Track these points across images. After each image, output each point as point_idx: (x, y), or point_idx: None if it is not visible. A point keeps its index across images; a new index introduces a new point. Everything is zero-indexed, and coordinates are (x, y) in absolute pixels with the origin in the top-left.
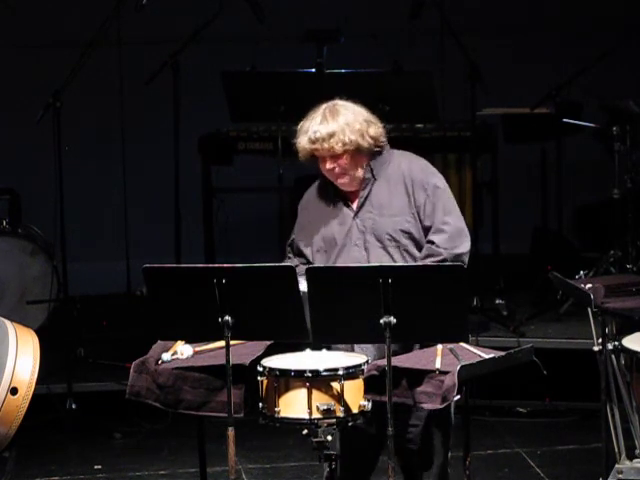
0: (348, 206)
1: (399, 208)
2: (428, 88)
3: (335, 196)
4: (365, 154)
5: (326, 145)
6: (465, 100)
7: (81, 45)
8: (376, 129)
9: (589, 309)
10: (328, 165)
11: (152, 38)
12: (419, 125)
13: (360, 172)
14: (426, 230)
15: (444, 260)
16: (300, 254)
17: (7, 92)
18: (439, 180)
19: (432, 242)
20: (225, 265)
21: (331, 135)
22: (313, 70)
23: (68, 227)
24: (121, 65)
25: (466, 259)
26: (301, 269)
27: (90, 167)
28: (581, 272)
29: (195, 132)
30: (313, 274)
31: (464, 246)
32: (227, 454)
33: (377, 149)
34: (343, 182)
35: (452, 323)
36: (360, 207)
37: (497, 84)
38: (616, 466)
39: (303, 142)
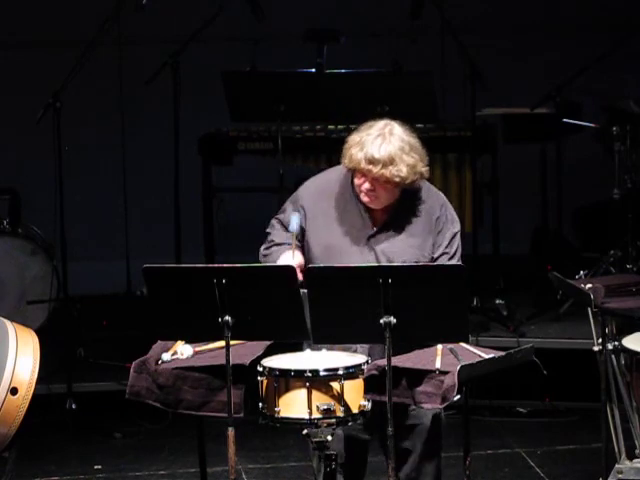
0: (368, 222)
1: (419, 242)
2: (428, 88)
3: (359, 206)
4: (405, 187)
5: (383, 172)
6: (465, 100)
7: (81, 45)
8: (425, 165)
9: (589, 309)
10: (367, 185)
11: (152, 38)
12: (419, 125)
13: (390, 199)
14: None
15: None
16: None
17: (7, 92)
18: (457, 224)
19: None
20: (225, 265)
21: (390, 163)
22: (313, 70)
23: (68, 227)
24: (121, 65)
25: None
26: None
27: (90, 167)
28: (581, 272)
29: (195, 132)
30: (313, 274)
31: None
32: (227, 454)
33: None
34: (369, 202)
35: (452, 323)
36: (381, 229)
37: (497, 84)
38: (616, 466)
39: (358, 157)
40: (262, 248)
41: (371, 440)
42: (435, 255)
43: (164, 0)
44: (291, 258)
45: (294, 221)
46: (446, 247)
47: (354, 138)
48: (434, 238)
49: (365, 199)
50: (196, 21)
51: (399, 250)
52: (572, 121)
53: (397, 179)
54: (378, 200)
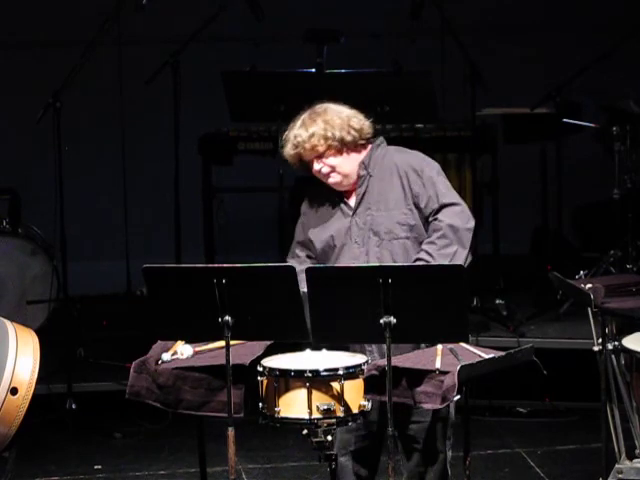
0: (346, 205)
1: (395, 201)
2: (428, 88)
3: (333, 197)
4: (352, 148)
5: (307, 145)
6: (465, 100)
7: (81, 45)
8: (359, 121)
9: (589, 309)
10: (316, 166)
11: (152, 38)
12: (419, 125)
13: (349, 168)
14: (427, 218)
15: (449, 242)
16: (308, 256)
17: (7, 92)
18: (433, 168)
19: (436, 219)
20: (225, 265)
21: (311, 135)
22: (313, 70)
23: (68, 227)
24: (121, 65)
25: (470, 235)
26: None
27: (90, 167)
28: (581, 272)
29: (195, 132)
30: (313, 274)
31: (471, 222)
32: (227, 454)
33: (363, 141)
34: (335, 182)
35: (452, 323)
36: (358, 205)
37: (497, 84)
38: (616, 466)
39: (288, 149)
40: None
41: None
42: (422, 205)
43: (164, 0)
44: None
45: None
46: (433, 193)
47: (283, 139)
48: (410, 191)
49: (330, 182)
50: (196, 21)
51: (378, 218)
52: (572, 121)
53: (327, 141)
54: (338, 174)
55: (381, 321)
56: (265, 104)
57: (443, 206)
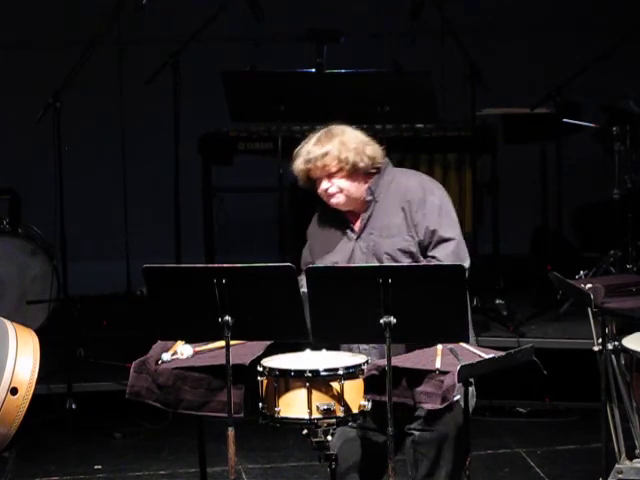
0: (351, 229)
1: (397, 227)
2: (428, 88)
3: (339, 221)
4: (362, 174)
5: (319, 163)
6: (465, 100)
7: (81, 45)
8: (373, 149)
9: (589, 309)
10: (323, 184)
11: (152, 38)
12: (419, 125)
13: (356, 193)
14: (424, 249)
15: None
16: None
17: (7, 92)
18: (437, 197)
19: (434, 258)
20: (225, 265)
21: (325, 154)
22: (313, 70)
23: (68, 227)
24: (121, 65)
25: (467, 275)
26: None
27: (90, 167)
28: (581, 272)
29: (195, 132)
30: (313, 274)
31: (466, 262)
32: (227, 454)
33: (374, 170)
34: (337, 202)
35: (452, 323)
36: (362, 229)
37: (497, 84)
38: (616, 466)
39: (298, 163)
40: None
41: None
42: (421, 236)
43: (164, 0)
44: None
45: None
46: (431, 224)
47: (294, 152)
48: (412, 219)
49: (332, 202)
50: (196, 21)
51: (381, 244)
52: (572, 121)
53: (339, 163)
54: (343, 197)
55: (381, 321)
56: (265, 104)
57: (440, 241)
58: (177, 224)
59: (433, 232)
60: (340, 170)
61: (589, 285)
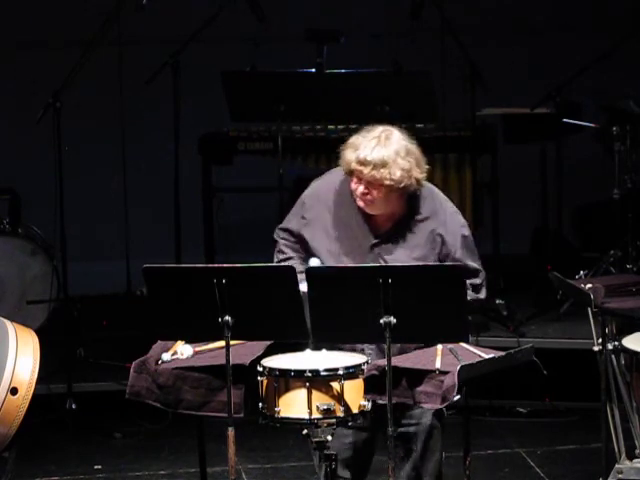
0: (369, 230)
1: (424, 250)
2: (428, 88)
3: (357, 213)
4: (401, 193)
5: (374, 173)
6: (465, 100)
7: (81, 45)
8: (422, 172)
9: (589, 309)
10: (362, 189)
11: (152, 38)
12: (419, 125)
13: (386, 207)
14: None
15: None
16: (300, 248)
17: (7, 92)
18: (467, 229)
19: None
20: (225, 265)
21: (382, 165)
22: (313, 70)
23: (68, 227)
24: (121, 65)
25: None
26: (300, 268)
27: (90, 167)
28: (581, 272)
29: (195, 132)
30: (313, 274)
31: (484, 292)
32: (227, 454)
33: (413, 191)
34: (365, 207)
35: (452, 323)
36: (386, 239)
37: (497, 84)
38: (616, 466)
39: (350, 157)
40: (275, 261)
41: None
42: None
43: (164, 0)
44: None
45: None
46: (458, 252)
47: (351, 140)
48: (439, 248)
49: (360, 203)
50: (196, 21)
51: (402, 261)
52: (572, 121)
53: (389, 182)
54: (374, 205)
55: (381, 321)
56: (265, 104)
57: (471, 275)
58: (177, 224)
59: (463, 261)
60: (385, 187)
61: (589, 285)
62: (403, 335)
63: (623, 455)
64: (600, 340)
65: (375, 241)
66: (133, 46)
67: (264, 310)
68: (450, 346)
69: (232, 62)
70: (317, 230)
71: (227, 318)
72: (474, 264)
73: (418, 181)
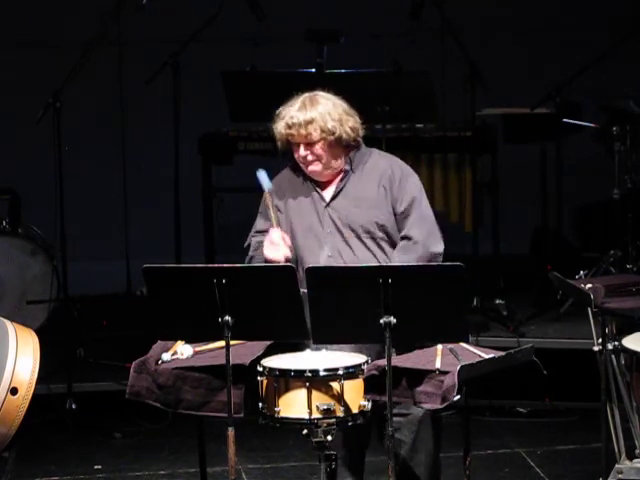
0: (319, 194)
1: (376, 201)
2: (428, 88)
3: (305, 183)
4: (341, 145)
5: (303, 131)
6: (465, 100)
7: (81, 45)
8: (354, 122)
9: (589, 309)
10: (302, 151)
11: (152, 38)
12: (419, 125)
13: (333, 163)
14: (399, 221)
15: (419, 258)
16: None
17: (7, 92)
18: (417, 180)
19: (408, 238)
20: (225, 265)
21: (309, 122)
22: (313, 70)
23: (68, 227)
24: (121, 65)
25: (440, 259)
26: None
27: (90, 167)
28: (581, 272)
29: (195, 132)
30: (313, 274)
31: (439, 246)
32: (227, 454)
33: (353, 143)
34: (314, 170)
35: (452, 323)
36: (334, 196)
37: (497, 84)
38: (616, 466)
39: (280, 127)
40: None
41: (371, 438)
42: (401, 209)
43: (164, 0)
44: (277, 234)
45: (262, 177)
46: (408, 200)
47: (276, 114)
48: (392, 194)
49: (308, 169)
50: (196, 21)
51: (356, 213)
52: (572, 121)
53: (321, 133)
54: (320, 164)
55: (381, 321)
56: (265, 104)
57: (416, 228)
58: (177, 224)
59: (411, 211)
60: (321, 139)
61: (589, 285)
62: (403, 335)
63: (623, 455)
64: (600, 340)
65: (326, 202)
66: (133, 46)
67: (264, 310)
68: (450, 346)
69: (232, 62)
70: (285, 215)
71: (227, 318)
72: (422, 216)
73: (352, 129)
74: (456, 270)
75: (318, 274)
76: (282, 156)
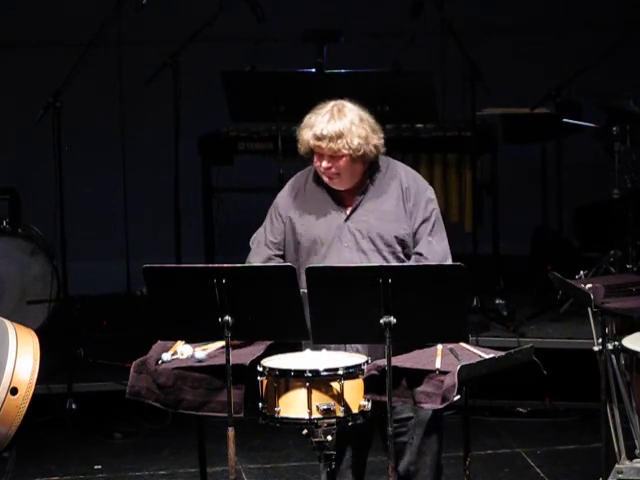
0: (339, 207)
1: (395, 215)
2: (428, 88)
3: (326, 194)
4: (363, 161)
5: (332, 145)
6: (465, 100)
7: (81, 45)
8: (378, 139)
9: (589, 309)
10: (325, 164)
11: (152, 38)
12: (419, 125)
13: (355, 177)
14: (413, 236)
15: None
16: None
17: (7, 92)
18: (432, 195)
19: (421, 254)
20: (225, 265)
21: (339, 136)
22: (313, 70)
23: (68, 227)
24: (121, 65)
25: None
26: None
27: (90, 167)
28: (581, 272)
29: (195, 132)
30: (313, 274)
31: (448, 260)
32: (227, 454)
33: (376, 158)
34: (333, 182)
35: (452, 323)
36: (354, 210)
37: (497, 84)
38: (616, 466)
39: (307, 136)
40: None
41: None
42: (415, 226)
43: (164, 0)
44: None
45: None
46: (424, 216)
47: (305, 121)
48: (408, 209)
49: (327, 180)
50: (196, 21)
51: (377, 227)
52: (572, 121)
53: (349, 151)
54: (340, 178)
55: (381, 321)
56: (265, 104)
57: (429, 244)
58: (177, 224)
59: (425, 227)
60: (347, 156)
61: (589, 285)
62: (403, 335)
63: (623, 455)
64: (600, 340)
65: (346, 215)
66: (133, 46)
67: (264, 310)
68: (450, 346)
69: (232, 62)
70: (296, 223)
71: (227, 318)
72: (435, 233)
73: (376, 147)
74: (456, 270)
75: (318, 274)
76: (282, 156)
